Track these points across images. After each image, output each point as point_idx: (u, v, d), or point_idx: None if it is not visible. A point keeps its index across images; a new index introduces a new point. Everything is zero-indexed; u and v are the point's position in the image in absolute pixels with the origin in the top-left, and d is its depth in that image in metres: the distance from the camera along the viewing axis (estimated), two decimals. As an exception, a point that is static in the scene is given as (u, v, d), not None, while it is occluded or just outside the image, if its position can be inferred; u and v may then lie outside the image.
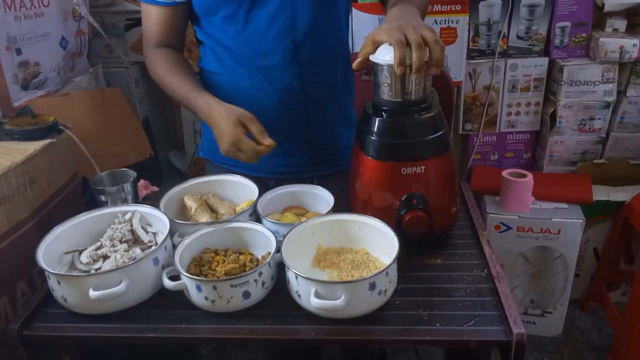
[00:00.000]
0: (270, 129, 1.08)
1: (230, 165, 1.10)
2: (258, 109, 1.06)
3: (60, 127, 1.01)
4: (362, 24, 1.66)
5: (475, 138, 1.85)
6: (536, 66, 1.74)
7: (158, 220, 0.88)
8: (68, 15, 1.34)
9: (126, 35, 1.67)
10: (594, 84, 1.68)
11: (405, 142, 0.81)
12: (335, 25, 1.06)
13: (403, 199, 0.82)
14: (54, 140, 0.97)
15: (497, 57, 1.73)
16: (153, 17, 1.02)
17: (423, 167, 0.81)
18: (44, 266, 0.74)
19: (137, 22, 1.69)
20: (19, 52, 1.17)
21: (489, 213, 1.61)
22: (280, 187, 0.98)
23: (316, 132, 1.09)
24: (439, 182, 0.84)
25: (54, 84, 1.30)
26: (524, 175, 1.56)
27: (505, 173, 1.58)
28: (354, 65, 0.81)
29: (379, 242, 0.82)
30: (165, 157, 1.96)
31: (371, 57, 0.80)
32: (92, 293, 0.71)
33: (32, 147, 0.93)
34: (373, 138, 0.82)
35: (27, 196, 0.90)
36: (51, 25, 1.27)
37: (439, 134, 0.82)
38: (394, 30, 0.76)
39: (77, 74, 1.43)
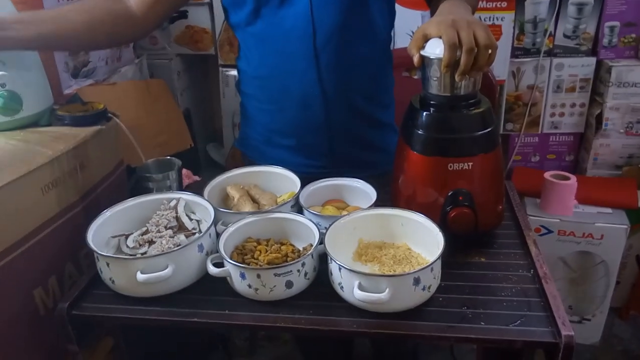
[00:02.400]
0: (290, 130, 1.09)
1: (262, 160, 1.11)
2: (278, 109, 1.08)
3: (109, 114, 1.03)
4: (403, 20, 1.64)
5: (517, 138, 1.81)
6: (583, 66, 1.69)
7: (202, 208, 0.90)
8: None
9: (170, 27, 1.70)
10: (644, 86, 1.62)
11: (452, 137, 0.80)
12: (367, 29, 1.03)
13: (449, 195, 0.81)
14: (103, 127, 1.00)
15: (543, 56, 1.68)
16: None
17: (470, 164, 0.79)
18: (94, 248, 0.76)
19: (181, 15, 1.72)
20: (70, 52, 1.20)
21: (530, 215, 1.57)
22: (322, 180, 0.98)
23: (339, 137, 1.08)
24: (485, 179, 0.82)
25: (101, 73, 1.33)
26: (567, 178, 1.52)
27: (547, 175, 1.54)
28: (415, 62, 0.79)
29: (422, 238, 0.81)
30: (204, 148, 1.99)
31: (421, 51, 0.79)
32: (140, 276, 0.72)
33: (83, 133, 0.95)
34: (420, 132, 0.82)
35: (77, 180, 0.92)
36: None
37: (487, 130, 0.80)
38: (447, 26, 0.75)
39: (123, 64, 1.46)
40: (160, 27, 1.67)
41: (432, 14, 0.99)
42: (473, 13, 0.94)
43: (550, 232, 1.57)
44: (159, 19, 1.03)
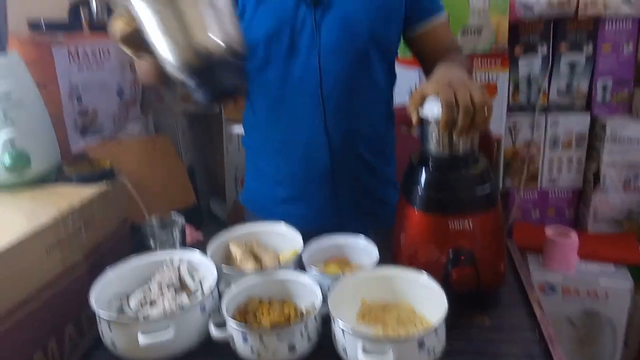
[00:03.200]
0: (295, 180, 1.11)
1: (267, 215, 1.12)
2: (283, 158, 1.11)
3: (115, 172, 1.05)
4: (401, 78, 1.68)
5: (516, 194, 1.82)
6: (578, 123, 1.73)
7: (205, 267, 0.90)
8: (125, 66, 1.42)
9: (177, 86, 1.75)
10: (638, 142, 1.66)
11: (452, 195, 0.81)
12: (370, 84, 1.08)
13: (450, 253, 0.82)
14: (109, 185, 1.01)
15: (538, 113, 1.73)
16: None
17: (471, 222, 0.80)
18: (97, 310, 0.76)
19: (187, 73, 1.77)
20: (79, 100, 1.24)
21: (532, 273, 1.56)
22: (324, 238, 0.98)
23: (343, 186, 1.11)
24: (486, 237, 0.83)
25: (109, 130, 1.36)
26: (568, 234, 1.52)
27: (548, 232, 1.55)
28: (414, 121, 0.82)
29: (425, 298, 0.81)
30: (206, 203, 2.01)
31: (419, 111, 0.82)
32: (142, 340, 0.72)
33: (89, 191, 0.96)
34: (420, 191, 0.83)
35: (82, 239, 0.93)
36: (110, 76, 1.35)
37: (487, 188, 0.82)
38: (444, 87, 0.78)
39: (129, 121, 1.50)
40: (167, 85, 1.73)
41: (427, 77, 1.04)
42: (470, 74, 0.98)
43: (554, 290, 1.55)
44: None
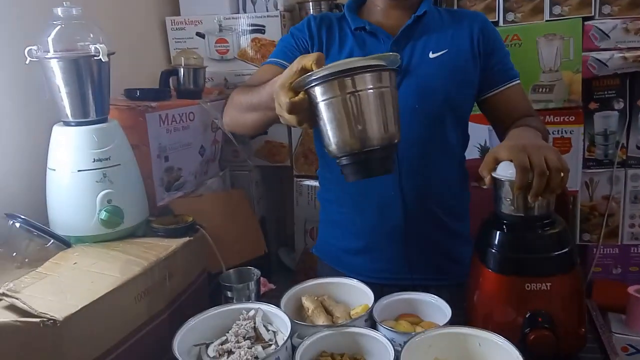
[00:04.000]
0: (367, 234, 1.13)
1: (339, 266, 1.15)
2: (358, 212, 1.14)
3: (197, 226, 1.12)
4: (471, 133, 1.70)
5: (595, 249, 1.74)
6: (660, 177, 1.65)
7: (278, 319, 0.93)
8: (207, 127, 1.54)
9: (251, 142, 1.86)
10: None
11: (528, 257, 0.81)
12: (443, 145, 1.11)
13: (527, 316, 0.80)
14: (192, 238, 1.08)
15: (617, 167, 1.67)
16: (261, 71, 1.12)
17: (549, 284, 0.79)
18: (179, 357, 0.80)
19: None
20: (166, 159, 1.35)
21: (615, 333, 1.47)
22: (396, 294, 0.99)
23: (415, 243, 1.12)
24: (565, 300, 0.81)
25: (190, 186, 1.46)
26: (655, 294, 1.43)
27: (631, 290, 1.46)
28: (487, 183, 0.83)
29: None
30: (275, 252, 2.06)
31: (492, 173, 0.83)
32: (220, 388, 0.75)
33: (173, 244, 1.03)
34: (494, 251, 0.83)
35: (165, 289, 0.99)
36: (194, 136, 1.46)
37: (564, 249, 0.80)
38: (518, 151, 0.79)
39: (209, 176, 1.60)
40: (244, 143, 1.83)
41: (500, 139, 1.05)
42: (544, 140, 0.97)
43: (638, 351, 1.45)
44: None
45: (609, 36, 1.58)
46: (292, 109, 0.74)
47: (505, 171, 0.81)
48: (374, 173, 0.77)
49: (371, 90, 0.72)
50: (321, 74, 0.71)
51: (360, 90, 0.72)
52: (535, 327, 0.79)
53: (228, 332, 0.91)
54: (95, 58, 1.02)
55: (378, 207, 1.11)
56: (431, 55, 1.07)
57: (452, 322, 0.87)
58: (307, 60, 0.75)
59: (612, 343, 0.90)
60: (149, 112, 1.28)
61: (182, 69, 1.56)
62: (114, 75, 1.09)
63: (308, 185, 1.85)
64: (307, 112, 0.76)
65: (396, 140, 0.77)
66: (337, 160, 0.77)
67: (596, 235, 1.73)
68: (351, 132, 0.73)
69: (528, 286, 0.79)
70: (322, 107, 0.73)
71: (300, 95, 0.74)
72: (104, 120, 1.07)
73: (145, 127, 1.26)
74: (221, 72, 1.82)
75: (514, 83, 1.12)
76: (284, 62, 1.13)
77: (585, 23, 1.59)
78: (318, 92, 0.73)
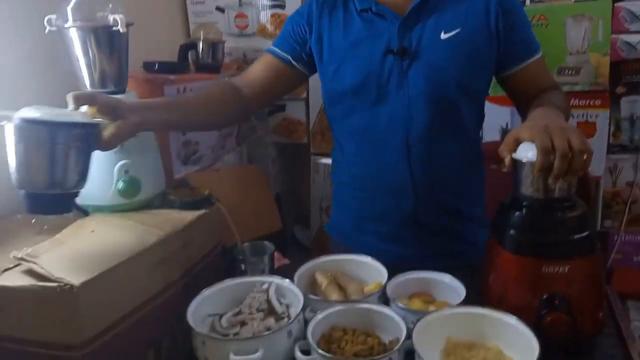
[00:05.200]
0: (379, 218, 1.13)
1: (352, 244, 1.14)
2: (369, 197, 1.13)
3: (213, 199, 1.12)
4: (493, 116, 1.66)
5: (617, 236, 1.71)
6: (687, 164, 1.60)
7: (291, 293, 0.93)
8: (225, 102, 1.53)
9: (269, 119, 1.86)
10: None
11: (547, 239, 0.79)
12: (457, 129, 1.07)
13: (543, 298, 0.79)
14: (207, 211, 1.08)
15: (642, 153, 1.63)
16: (262, 61, 1.13)
17: (567, 267, 0.77)
18: (193, 326, 0.81)
19: (279, 108, 1.87)
20: (184, 133, 1.35)
21: (634, 320, 1.44)
22: (409, 272, 0.98)
23: (426, 228, 1.10)
24: (583, 283, 0.79)
25: (207, 160, 1.47)
26: (676, 283, 1.40)
27: (652, 278, 1.43)
28: (506, 164, 0.81)
29: (514, 341, 0.78)
30: (290, 229, 2.07)
31: (513, 154, 0.81)
32: (233, 357, 0.76)
33: (189, 216, 1.04)
34: (512, 233, 0.81)
35: (181, 259, 1.00)
36: (211, 110, 1.45)
37: (584, 233, 0.79)
38: (540, 131, 0.76)
39: (226, 151, 1.60)
40: (261, 119, 1.83)
41: (523, 118, 1.02)
42: (567, 119, 0.94)
43: (659, 342, 1.42)
44: (262, 107, 1.22)
45: (639, 18, 1.53)
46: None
47: (526, 152, 0.79)
48: (47, 212, 0.84)
49: (48, 143, 0.77)
50: (18, 117, 0.76)
51: (39, 140, 0.77)
52: (551, 309, 0.78)
53: (242, 304, 0.92)
54: (113, 29, 1.01)
55: (389, 193, 1.09)
56: (443, 36, 1.01)
57: (466, 302, 0.86)
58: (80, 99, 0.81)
59: (631, 330, 0.88)
60: (167, 85, 1.28)
61: (201, 43, 1.56)
62: (133, 47, 1.09)
63: (325, 164, 1.85)
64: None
65: (74, 190, 0.82)
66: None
67: (618, 222, 1.70)
68: (25, 172, 0.78)
69: (545, 269, 0.78)
70: (12, 142, 0.77)
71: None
72: (122, 92, 1.07)
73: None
74: (240, 47, 1.81)
75: (536, 57, 1.06)
76: (282, 54, 1.12)
77: (615, 4, 1.54)
78: (12, 129, 0.77)
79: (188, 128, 1.27)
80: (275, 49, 1.14)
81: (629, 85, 1.61)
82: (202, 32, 1.60)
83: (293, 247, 2.06)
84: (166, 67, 1.40)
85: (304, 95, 1.84)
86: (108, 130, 0.83)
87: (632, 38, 1.53)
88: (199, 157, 1.42)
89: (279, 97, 1.24)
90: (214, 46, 1.58)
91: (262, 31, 1.80)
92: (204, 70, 1.53)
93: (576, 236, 0.78)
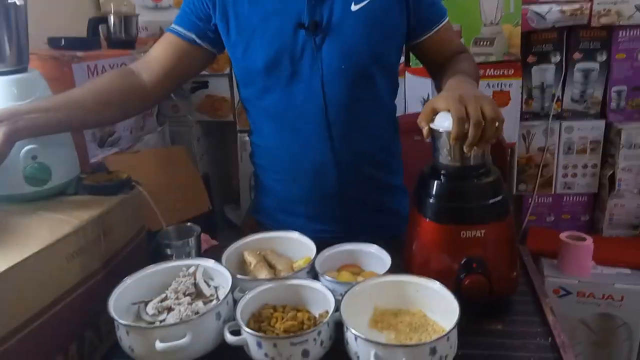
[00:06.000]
0: (303, 199, 1.13)
1: (279, 226, 1.13)
2: (291, 179, 1.12)
3: (133, 183, 1.08)
4: (414, 87, 1.71)
5: (530, 199, 1.82)
6: (592, 129, 1.73)
7: (219, 275, 0.91)
8: (142, 80, 1.45)
9: (192, 97, 1.79)
10: (654, 147, 1.65)
11: (464, 205, 0.82)
12: (374, 101, 1.08)
13: (462, 262, 0.82)
14: (127, 195, 1.04)
15: (552, 120, 1.73)
16: (163, 43, 1.07)
17: (483, 231, 0.81)
18: (115, 316, 0.78)
19: (202, 85, 1.81)
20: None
21: (548, 276, 1.56)
22: (337, 245, 1.00)
23: (351, 203, 1.12)
24: (499, 246, 0.84)
25: (126, 141, 1.39)
26: (583, 239, 1.52)
27: (563, 236, 1.55)
28: (424, 135, 0.83)
29: (437, 305, 0.81)
30: (221, 209, 2.03)
31: (430, 124, 0.83)
32: (159, 345, 0.74)
33: (107, 201, 0.99)
34: (432, 201, 0.84)
35: (100, 248, 0.95)
36: (127, 89, 1.37)
37: (498, 198, 0.83)
38: (455, 101, 0.79)
39: (146, 132, 1.53)
40: (183, 97, 1.76)
41: (437, 88, 1.05)
42: (477, 84, 0.98)
43: (569, 293, 1.55)
44: (167, 92, 1.11)
45: (548, -11, 1.60)
46: None
47: (443, 122, 0.81)
48: None
49: None
50: None
51: None
52: (469, 272, 0.82)
53: (167, 290, 0.89)
54: (9, 1, 0.93)
55: (312, 173, 1.09)
56: (353, 8, 1.00)
57: (392, 271, 0.89)
58: None
59: (543, 286, 0.95)
60: (75, 62, 1.19)
61: (112, 17, 1.47)
62: (36, 22, 1.00)
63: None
64: None
65: None
66: None
67: (532, 186, 1.81)
68: None
69: (463, 234, 0.81)
70: None
71: None
72: (23, 70, 0.99)
73: (71, 79, 1.18)
74: (156, 20, 1.72)
75: (444, 22, 1.08)
76: (185, 32, 1.06)
77: (525, -25, 1.60)
78: None
79: (79, 128, 1.16)
80: (177, 27, 1.07)
81: (539, 54, 1.69)
82: (112, 4, 1.50)
83: (224, 228, 2.03)
84: (74, 43, 1.30)
85: (227, 70, 1.78)
86: None
87: (542, 8, 1.60)
88: (117, 139, 1.35)
89: (186, 80, 1.17)
90: (127, 20, 1.49)
91: (180, 4, 1.72)
92: (116, 46, 1.45)
93: (491, 201, 0.82)
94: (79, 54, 1.22)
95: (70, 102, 0.96)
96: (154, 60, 1.07)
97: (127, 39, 1.50)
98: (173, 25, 1.08)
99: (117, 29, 1.48)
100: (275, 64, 1.01)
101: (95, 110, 0.99)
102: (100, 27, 1.48)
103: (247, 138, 1.81)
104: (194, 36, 1.06)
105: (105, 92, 1.00)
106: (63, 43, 1.28)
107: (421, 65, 1.19)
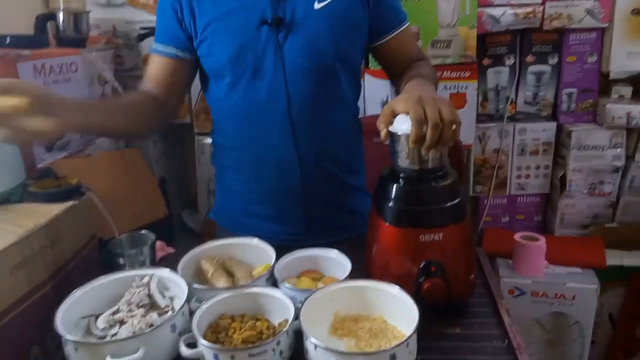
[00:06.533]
0: (266, 198, 1.12)
1: (238, 230, 1.12)
2: (254, 179, 1.11)
3: (83, 189, 1.03)
4: (373, 88, 1.71)
5: (486, 200, 1.86)
6: (544, 130, 1.77)
7: (175, 285, 0.89)
8: (94, 80, 1.41)
9: (146, 98, 1.74)
10: (602, 149, 1.71)
11: (423, 209, 0.83)
12: (338, 100, 1.08)
13: (421, 266, 0.83)
14: (77, 202, 0.99)
15: (506, 122, 1.77)
16: (153, 65, 1.07)
17: (441, 234, 0.82)
18: (62, 332, 0.74)
19: (157, 85, 1.76)
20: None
21: (503, 277, 1.59)
22: (297, 251, 0.98)
23: (314, 202, 1.11)
24: (456, 249, 0.84)
25: (76, 145, 1.34)
26: (537, 239, 1.56)
27: (517, 236, 1.58)
28: (382, 139, 0.83)
29: (397, 310, 0.81)
30: (179, 215, 1.98)
31: (389, 127, 0.83)
32: (110, 361, 0.70)
33: (55, 209, 0.94)
34: (391, 204, 0.84)
35: (47, 258, 0.90)
36: (78, 90, 1.33)
37: (456, 201, 0.83)
38: (414, 103, 0.79)
39: (98, 135, 1.47)
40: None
41: (396, 92, 1.05)
42: (436, 85, 0.99)
43: (523, 293, 1.59)
44: (179, 97, 1.13)
45: (502, -8, 1.64)
46: None
47: (402, 124, 0.81)
48: None
49: None
50: None
51: None
52: (428, 276, 0.82)
53: (120, 302, 0.85)
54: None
55: (275, 171, 1.08)
56: (316, 6, 1.01)
57: (353, 275, 0.88)
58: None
59: (499, 287, 0.96)
60: (21, 61, 1.14)
61: (61, 14, 1.40)
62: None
63: (210, 144, 1.78)
64: None
65: None
66: None
67: (487, 187, 1.84)
68: None
69: (422, 237, 0.82)
70: None
71: None
72: (-39, 71, 0.93)
73: (16, 78, 1.12)
74: (109, 18, 1.66)
75: (404, 26, 1.10)
76: (164, 49, 1.06)
77: (480, -22, 1.63)
78: None
79: (107, 136, 1.20)
80: (157, 46, 1.07)
81: (494, 57, 1.73)
82: (61, 0, 1.43)
83: (182, 233, 1.97)
84: (20, 41, 1.24)
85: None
86: (38, 125, 0.73)
87: (497, 11, 1.64)
88: (66, 142, 1.29)
89: (189, 88, 1.17)
90: (77, 17, 1.43)
91: (134, 1, 1.67)
92: (66, 45, 1.38)
93: (449, 204, 0.83)
94: (25, 52, 1.17)
95: (117, 107, 1.00)
96: (151, 83, 1.07)
97: (77, 37, 1.43)
98: (153, 45, 1.08)
99: (67, 27, 1.42)
100: (238, 60, 1.01)
101: (135, 119, 1.02)
102: (48, 24, 1.41)
103: (205, 141, 1.79)
104: (174, 50, 1.06)
105: (137, 101, 1.05)
106: (8, 41, 1.22)
107: (380, 67, 1.20)
